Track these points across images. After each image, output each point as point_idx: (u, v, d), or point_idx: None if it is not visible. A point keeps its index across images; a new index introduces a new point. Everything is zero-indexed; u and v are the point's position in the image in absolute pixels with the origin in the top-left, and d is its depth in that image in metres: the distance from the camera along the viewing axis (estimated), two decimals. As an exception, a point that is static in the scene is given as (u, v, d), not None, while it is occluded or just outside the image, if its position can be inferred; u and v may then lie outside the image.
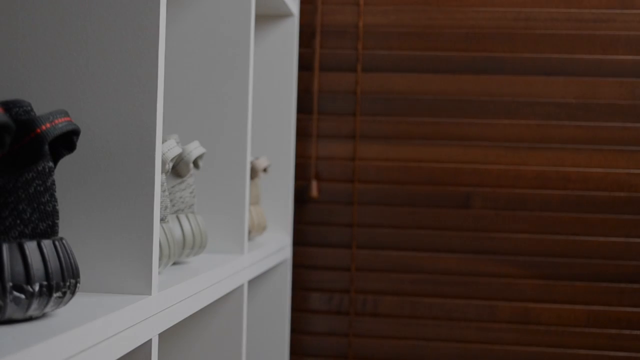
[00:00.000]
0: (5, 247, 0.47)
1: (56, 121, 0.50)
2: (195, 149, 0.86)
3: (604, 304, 1.41)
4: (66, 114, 0.52)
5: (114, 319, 0.54)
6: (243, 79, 1.00)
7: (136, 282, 0.62)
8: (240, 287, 0.99)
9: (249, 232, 1.13)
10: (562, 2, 1.42)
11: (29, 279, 0.47)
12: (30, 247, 0.48)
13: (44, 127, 0.49)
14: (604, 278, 1.41)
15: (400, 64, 1.45)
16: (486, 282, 1.43)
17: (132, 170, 0.62)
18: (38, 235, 0.50)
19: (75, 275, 0.51)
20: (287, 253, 1.38)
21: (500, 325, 1.43)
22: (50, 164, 0.51)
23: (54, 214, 0.51)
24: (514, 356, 1.42)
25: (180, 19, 1.00)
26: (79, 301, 0.58)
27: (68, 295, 0.51)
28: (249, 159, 1.01)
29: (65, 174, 0.62)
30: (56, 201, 0.51)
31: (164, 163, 0.76)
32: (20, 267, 0.47)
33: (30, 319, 0.50)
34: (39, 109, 0.62)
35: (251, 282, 1.37)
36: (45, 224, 0.50)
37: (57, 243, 0.50)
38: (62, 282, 0.49)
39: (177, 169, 0.85)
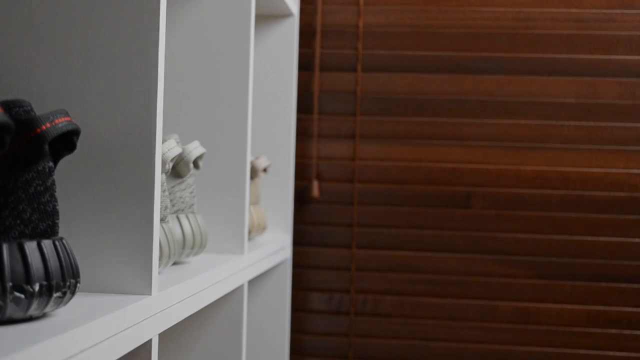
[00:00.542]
0: (5, 247, 0.47)
1: (56, 121, 0.50)
2: (195, 149, 0.86)
3: (604, 304, 1.41)
4: (66, 114, 0.52)
5: (114, 319, 0.54)
6: (243, 79, 1.00)
7: (136, 282, 0.62)
8: (240, 287, 0.99)
9: (249, 232, 1.13)
10: (562, 2, 1.42)
11: (29, 279, 0.47)
12: (30, 247, 0.48)
13: (44, 127, 0.49)
14: (604, 278, 1.41)
15: (400, 64, 1.45)
16: (486, 282, 1.43)
17: (132, 170, 0.62)
18: (38, 235, 0.50)
19: (75, 275, 0.51)
20: (287, 253, 1.38)
21: (500, 325, 1.43)
22: (50, 164, 0.51)
23: (54, 214, 0.51)
24: (514, 356, 1.42)
25: (181, 18, 1.00)
26: (79, 301, 0.58)
27: (68, 295, 0.51)
28: (249, 159, 1.01)
29: (65, 174, 0.62)
30: (56, 201, 0.51)
31: (164, 163, 0.76)
32: (20, 267, 0.47)
33: (30, 319, 0.50)
34: (39, 109, 0.62)
35: (251, 282, 1.37)
36: (45, 224, 0.50)
37: (57, 243, 0.50)
38: (62, 282, 0.49)
39: (177, 169, 0.85)
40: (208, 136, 1.00)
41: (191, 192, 0.87)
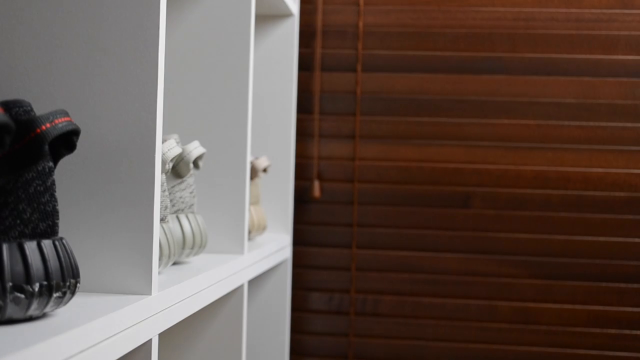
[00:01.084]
0: (5, 247, 0.47)
1: (56, 121, 0.50)
2: (195, 149, 0.86)
3: (604, 304, 1.41)
4: (66, 114, 0.52)
5: (114, 319, 0.54)
6: (243, 79, 1.00)
7: (136, 282, 0.62)
8: (240, 287, 0.99)
9: (249, 232, 1.13)
10: (562, 2, 1.42)
11: (29, 279, 0.47)
12: (30, 247, 0.48)
13: (44, 127, 0.49)
14: (604, 278, 1.41)
15: (400, 64, 1.45)
16: (486, 282, 1.43)
17: (132, 170, 0.62)
18: (38, 235, 0.50)
19: (75, 275, 0.51)
20: (287, 253, 1.38)
21: (500, 325, 1.43)
22: (50, 164, 0.51)
23: (54, 214, 0.51)
24: (514, 356, 1.42)
25: (180, 19, 1.00)
26: (79, 301, 0.58)
27: (68, 295, 0.51)
28: (249, 159, 1.01)
29: (65, 174, 0.62)
30: (56, 201, 0.51)
31: (164, 163, 0.76)
32: (20, 267, 0.47)
33: (30, 319, 0.50)
34: (39, 109, 0.62)
35: (251, 282, 1.37)
36: (45, 224, 0.50)
37: (57, 243, 0.50)
38: (62, 282, 0.49)
39: (177, 169, 0.85)
40: (208, 136, 1.00)
41: (191, 192, 0.87)
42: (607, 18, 1.41)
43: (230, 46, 1.00)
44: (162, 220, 0.75)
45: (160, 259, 0.72)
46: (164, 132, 1.00)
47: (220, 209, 0.99)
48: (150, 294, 0.62)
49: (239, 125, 0.99)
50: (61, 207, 0.62)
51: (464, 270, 1.44)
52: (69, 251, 0.51)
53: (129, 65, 0.62)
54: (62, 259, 0.50)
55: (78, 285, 0.52)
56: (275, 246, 1.23)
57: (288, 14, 1.38)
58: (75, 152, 0.62)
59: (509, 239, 1.43)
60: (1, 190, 0.49)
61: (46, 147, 0.50)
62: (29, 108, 0.50)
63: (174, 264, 0.86)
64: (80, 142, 0.62)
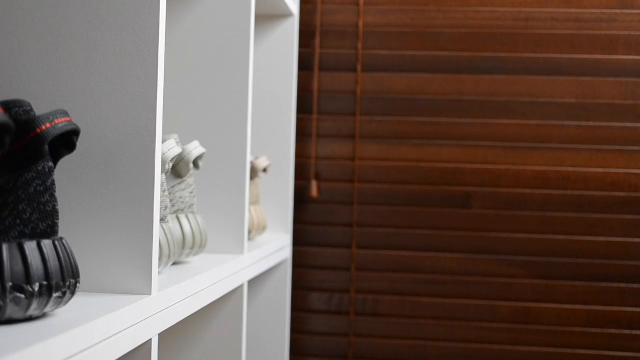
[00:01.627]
0: (5, 247, 0.47)
1: (56, 121, 0.50)
2: (195, 149, 0.86)
3: (604, 304, 1.41)
4: (66, 114, 0.52)
5: (114, 319, 0.54)
6: (243, 79, 1.00)
7: (136, 282, 0.62)
8: (240, 287, 0.99)
9: (249, 232, 1.13)
10: (562, 2, 1.42)
11: (29, 279, 0.47)
12: (30, 247, 0.48)
13: (44, 127, 0.49)
14: (604, 278, 1.41)
15: (400, 64, 1.45)
16: (486, 282, 1.43)
17: (132, 170, 0.62)
18: (38, 235, 0.50)
19: (75, 275, 0.51)
20: (287, 253, 1.38)
21: (500, 325, 1.43)
22: (50, 164, 0.51)
23: (54, 214, 0.51)
24: (514, 356, 1.42)
25: (180, 19, 1.00)
26: (79, 301, 0.58)
27: (68, 295, 0.51)
28: (249, 159, 1.01)
29: (65, 174, 0.62)
30: (56, 201, 0.51)
31: (164, 163, 0.76)
32: (20, 267, 0.47)
33: (30, 319, 0.50)
34: (39, 109, 0.62)
35: (251, 282, 1.37)
36: (45, 224, 0.50)
37: (57, 243, 0.50)
38: (62, 282, 0.49)
39: (177, 169, 0.85)
40: (208, 136, 1.00)
41: (191, 192, 0.87)
42: (607, 18, 1.41)
43: (230, 46, 1.00)
44: (162, 220, 0.75)
45: (160, 259, 0.72)
46: (164, 132, 1.00)
47: (220, 209, 0.99)
48: (150, 294, 0.62)
49: (239, 125, 0.99)
50: (61, 207, 0.62)
51: (464, 270, 1.44)
52: (69, 251, 0.51)
53: (129, 65, 0.62)
54: (62, 259, 0.50)
55: (78, 285, 0.52)
56: (275, 246, 1.23)
57: (288, 14, 1.38)
58: (75, 152, 0.62)
59: (509, 239, 1.43)
60: (1, 190, 0.49)
61: (46, 147, 0.50)
62: (29, 108, 0.50)
63: (174, 264, 0.86)
64: (80, 142, 0.62)
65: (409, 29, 1.45)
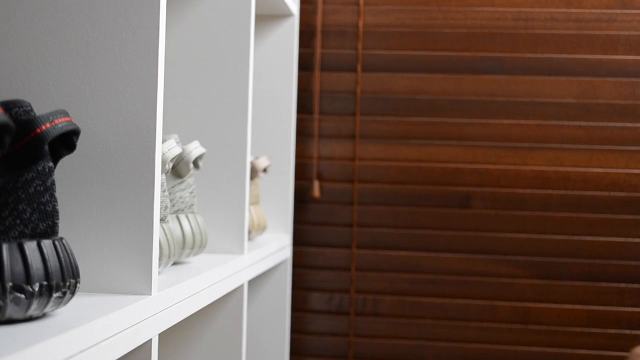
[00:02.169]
0: (5, 247, 0.47)
1: (56, 121, 0.50)
2: (195, 149, 0.86)
3: (604, 304, 1.41)
4: (66, 114, 0.52)
5: (114, 319, 0.54)
6: (243, 79, 1.00)
7: (136, 282, 0.62)
8: (240, 287, 0.99)
9: (249, 232, 1.13)
10: (562, 2, 1.42)
11: (29, 279, 0.47)
12: (30, 247, 0.48)
13: (44, 127, 0.49)
14: (604, 278, 1.41)
15: (400, 64, 1.45)
16: (486, 282, 1.43)
17: (132, 170, 0.62)
18: (38, 235, 0.50)
19: (75, 275, 0.51)
20: (287, 253, 1.38)
21: (500, 325, 1.43)
22: (50, 164, 0.51)
23: (54, 214, 0.51)
24: (514, 356, 1.42)
25: (180, 18, 1.00)
26: (79, 301, 0.58)
27: (68, 295, 0.51)
28: (249, 159, 1.01)
29: (65, 174, 0.62)
30: (56, 201, 0.51)
31: (164, 163, 0.76)
32: (20, 267, 0.47)
33: (30, 319, 0.50)
34: (39, 109, 0.62)
35: (251, 282, 1.37)
36: (45, 224, 0.50)
37: (57, 243, 0.50)
38: (62, 282, 0.49)
39: (177, 169, 0.85)
40: (208, 136, 1.00)
41: (191, 192, 0.87)
42: (607, 18, 1.41)
43: (230, 46, 1.00)
44: (162, 220, 0.75)
45: (160, 259, 0.72)
46: (164, 132, 1.00)
47: (220, 209, 0.99)
48: (150, 294, 0.62)
49: (239, 125, 0.99)
50: (61, 207, 0.62)
51: (464, 270, 1.44)
52: (68, 251, 0.51)
53: (129, 65, 0.62)
54: (62, 259, 0.50)
55: (78, 285, 0.52)
56: (275, 246, 1.23)
57: (288, 14, 1.38)
58: (75, 152, 0.62)
59: (509, 239, 1.43)
60: (1, 190, 0.49)
61: (46, 147, 0.50)
62: (29, 108, 0.50)
63: (174, 264, 0.86)
64: (80, 142, 0.62)
65: (409, 29, 1.45)
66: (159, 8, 0.62)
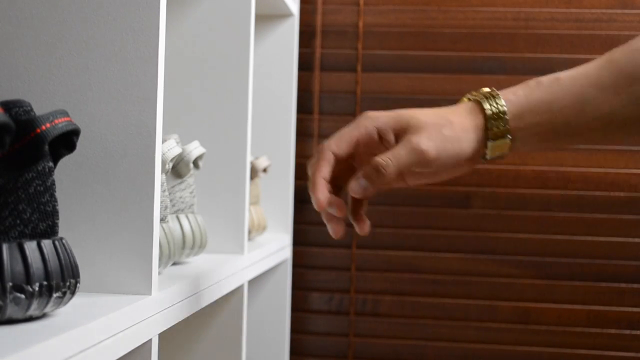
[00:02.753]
0: (5, 247, 0.47)
1: (56, 121, 0.50)
2: (195, 149, 0.86)
3: (604, 304, 1.41)
4: (66, 114, 0.52)
5: (114, 319, 0.54)
6: (243, 79, 1.00)
7: (136, 282, 0.62)
8: (240, 287, 0.99)
9: (249, 232, 1.13)
10: (562, 2, 1.42)
11: (29, 279, 0.47)
12: (30, 247, 0.48)
13: (44, 127, 0.49)
14: (604, 278, 1.41)
15: (400, 64, 1.45)
16: (486, 282, 1.43)
17: (132, 170, 0.62)
18: (38, 235, 0.50)
19: (75, 275, 0.51)
20: (287, 253, 1.38)
21: (500, 325, 1.43)
22: (50, 164, 0.51)
23: (54, 214, 0.51)
24: (514, 356, 1.42)
25: (180, 19, 1.00)
26: (79, 301, 0.58)
27: (68, 295, 0.51)
28: (249, 159, 1.01)
29: (65, 174, 0.62)
30: (56, 201, 0.51)
31: (164, 163, 0.76)
32: (20, 267, 0.47)
33: (30, 319, 0.50)
34: (39, 109, 0.62)
35: (251, 282, 1.37)
36: (45, 224, 0.50)
37: (57, 243, 0.50)
38: (62, 282, 0.49)
39: (177, 169, 0.85)
40: (208, 136, 1.00)
41: (191, 192, 0.87)
42: (607, 18, 1.41)
43: (230, 46, 1.00)
44: (162, 220, 0.75)
45: (160, 259, 0.72)
46: (164, 132, 1.00)
47: (220, 209, 0.99)
48: (150, 294, 0.62)
49: (239, 125, 0.99)
50: (61, 207, 0.62)
51: (464, 270, 1.44)
52: (69, 251, 0.51)
53: (129, 66, 0.62)
54: (62, 259, 0.50)
55: (78, 285, 0.52)
56: (275, 246, 1.23)
57: (288, 14, 1.38)
58: (75, 152, 0.62)
59: (509, 239, 1.43)
60: (1, 190, 0.49)
61: (46, 147, 0.50)
62: (29, 108, 0.50)
63: (174, 264, 0.87)
64: (80, 142, 0.62)
65: (409, 29, 1.45)
66: (159, 8, 0.62)
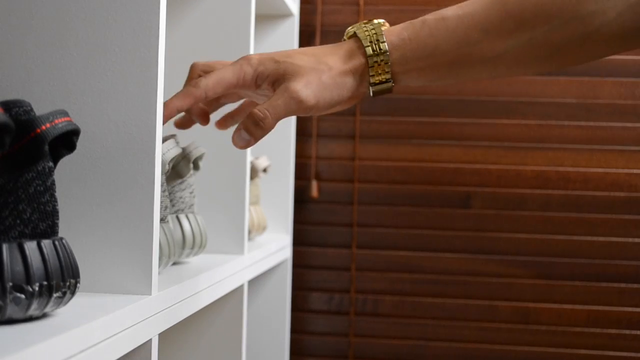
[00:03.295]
0: (5, 247, 0.47)
1: (56, 121, 0.50)
2: (195, 149, 0.86)
3: (604, 304, 1.41)
4: (66, 114, 0.52)
5: (114, 319, 0.54)
6: (243, 79, 0.99)
7: (136, 282, 0.62)
8: (240, 287, 0.99)
9: (249, 232, 1.13)
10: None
11: (29, 279, 0.47)
12: (30, 247, 0.48)
13: (44, 127, 0.49)
14: (604, 278, 1.41)
15: (400, 64, 1.45)
16: (486, 282, 1.43)
17: (132, 170, 0.62)
18: (38, 235, 0.50)
19: (75, 275, 0.51)
20: (287, 253, 1.38)
21: (500, 325, 1.43)
22: (50, 164, 0.51)
23: (54, 214, 0.51)
24: (514, 356, 1.42)
25: (181, 18, 1.00)
26: (79, 301, 0.58)
27: (68, 295, 0.51)
28: (249, 159, 1.01)
29: (65, 174, 0.62)
30: (56, 201, 0.51)
31: (164, 163, 0.76)
32: (20, 267, 0.47)
33: (30, 319, 0.50)
34: (39, 109, 0.62)
35: (251, 282, 1.37)
36: (45, 224, 0.50)
37: (57, 243, 0.50)
38: (62, 282, 0.49)
39: (177, 169, 0.85)
40: (208, 136, 0.99)
41: (191, 192, 0.87)
42: None
43: (230, 46, 1.00)
44: (162, 220, 0.75)
45: (160, 259, 0.72)
46: (164, 132, 1.00)
47: (220, 209, 0.99)
48: (150, 294, 0.62)
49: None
50: (61, 207, 0.62)
51: (464, 270, 1.44)
52: (68, 251, 0.51)
53: (129, 65, 0.62)
54: (62, 259, 0.50)
55: (78, 285, 0.52)
56: (275, 246, 1.23)
57: (288, 14, 1.38)
58: (75, 152, 0.62)
59: (509, 239, 1.43)
60: (1, 190, 0.49)
61: (46, 147, 0.50)
62: (29, 108, 0.50)
63: (174, 264, 0.86)
64: (80, 142, 0.62)
65: (409, 29, 1.45)
66: (159, 8, 0.62)
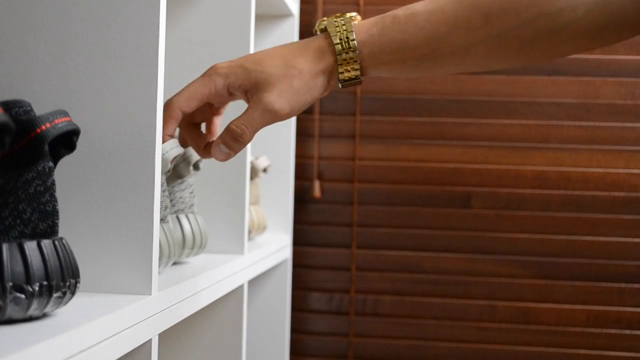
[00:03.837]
0: (5, 247, 0.47)
1: (56, 121, 0.50)
2: (195, 153, 0.86)
3: (604, 304, 1.41)
4: (66, 114, 0.52)
5: (114, 319, 0.54)
6: (243, 79, 0.99)
7: (136, 282, 0.62)
8: (240, 287, 0.99)
9: (249, 232, 1.13)
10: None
11: (29, 279, 0.47)
12: (30, 247, 0.48)
13: (44, 127, 0.49)
14: (604, 278, 1.41)
15: (400, 64, 1.45)
16: (486, 282, 1.43)
17: (132, 170, 0.62)
18: (38, 235, 0.50)
19: (75, 275, 0.51)
20: (287, 253, 1.38)
21: (500, 325, 1.43)
22: (50, 164, 0.51)
23: (54, 214, 0.51)
24: (514, 356, 1.42)
25: (181, 18, 1.00)
26: (79, 301, 0.58)
27: (68, 295, 0.51)
28: (249, 159, 1.01)
29: (65, 174, 0.62)
30: (56, 201, 0.51)
31: (165, 163, 0.76)
32: (20, 267, 0.47)
33: (30, 319, 0.50)
34: (39, 109, 0.62)
35: (251, 282, 1.37)
36: (45, 224, 0.50)
37: (57, 243, 0.50)
38: (62, 282, 0.49)
39: (178, 170, 0.85)
40: (208, 136, 0.99)
41: (191, 192, 0.87)
42: None
43: (230, 46, 1.00)
44: (162, 220, 0.75)
45: (160, 259, 0.72)
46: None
47: (220, 209, 0.99)
48: (150, 294, 0.62)
49: (239, 125, 0.99)
50: (61, 207, 0.62)
51: (464, 270, 1.44)
52: (69, 251, 0.51)
53: (129, 65, 0.62)
54: (62, 259, 0.50)
55: (78, 285, 0.52)
56: (275, 246, 1.23)
57: (288, 14, 1.38)
58: (75, 152, 0.62)
59: (509, 239, 1.43)
60: (1, 190, 0.49)
61: (46, 147, 0.50)
62: (29, 108, 0.50)
63: (174, 264, 0.86)
64: (80, 142, 0.62)
65: (409, 29, 1.45)
66: (159, 8, 0.62)
